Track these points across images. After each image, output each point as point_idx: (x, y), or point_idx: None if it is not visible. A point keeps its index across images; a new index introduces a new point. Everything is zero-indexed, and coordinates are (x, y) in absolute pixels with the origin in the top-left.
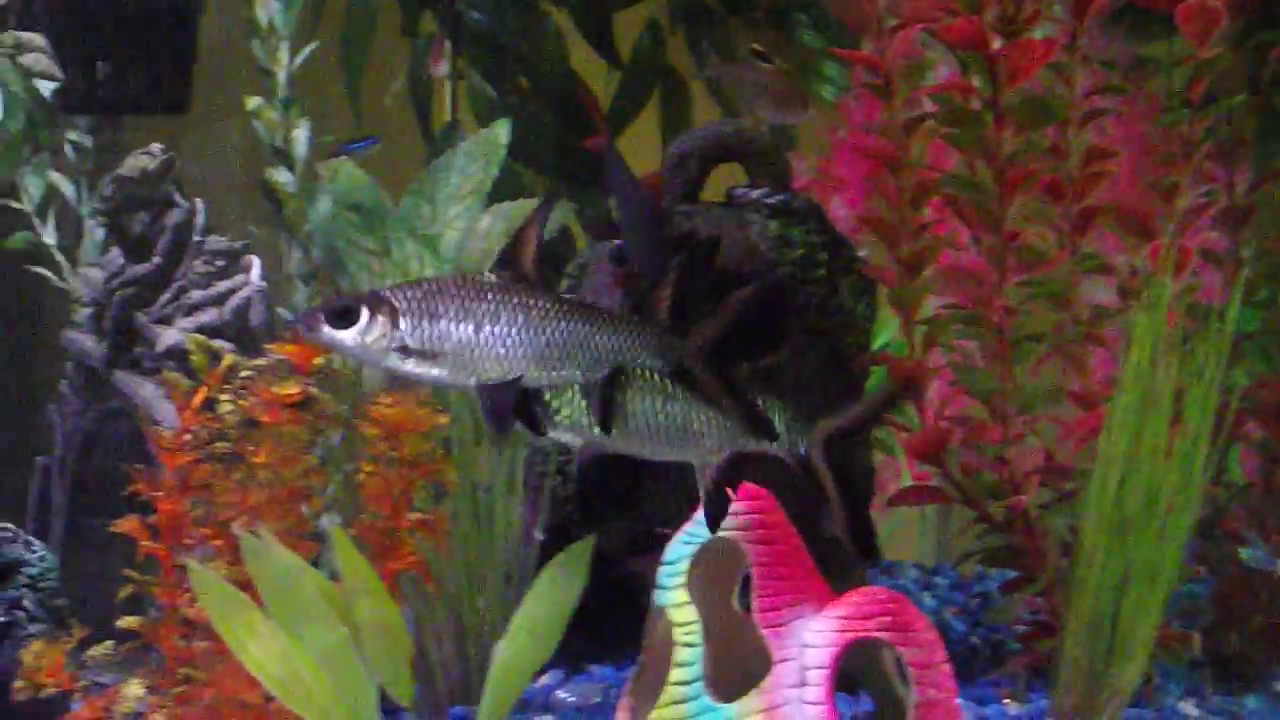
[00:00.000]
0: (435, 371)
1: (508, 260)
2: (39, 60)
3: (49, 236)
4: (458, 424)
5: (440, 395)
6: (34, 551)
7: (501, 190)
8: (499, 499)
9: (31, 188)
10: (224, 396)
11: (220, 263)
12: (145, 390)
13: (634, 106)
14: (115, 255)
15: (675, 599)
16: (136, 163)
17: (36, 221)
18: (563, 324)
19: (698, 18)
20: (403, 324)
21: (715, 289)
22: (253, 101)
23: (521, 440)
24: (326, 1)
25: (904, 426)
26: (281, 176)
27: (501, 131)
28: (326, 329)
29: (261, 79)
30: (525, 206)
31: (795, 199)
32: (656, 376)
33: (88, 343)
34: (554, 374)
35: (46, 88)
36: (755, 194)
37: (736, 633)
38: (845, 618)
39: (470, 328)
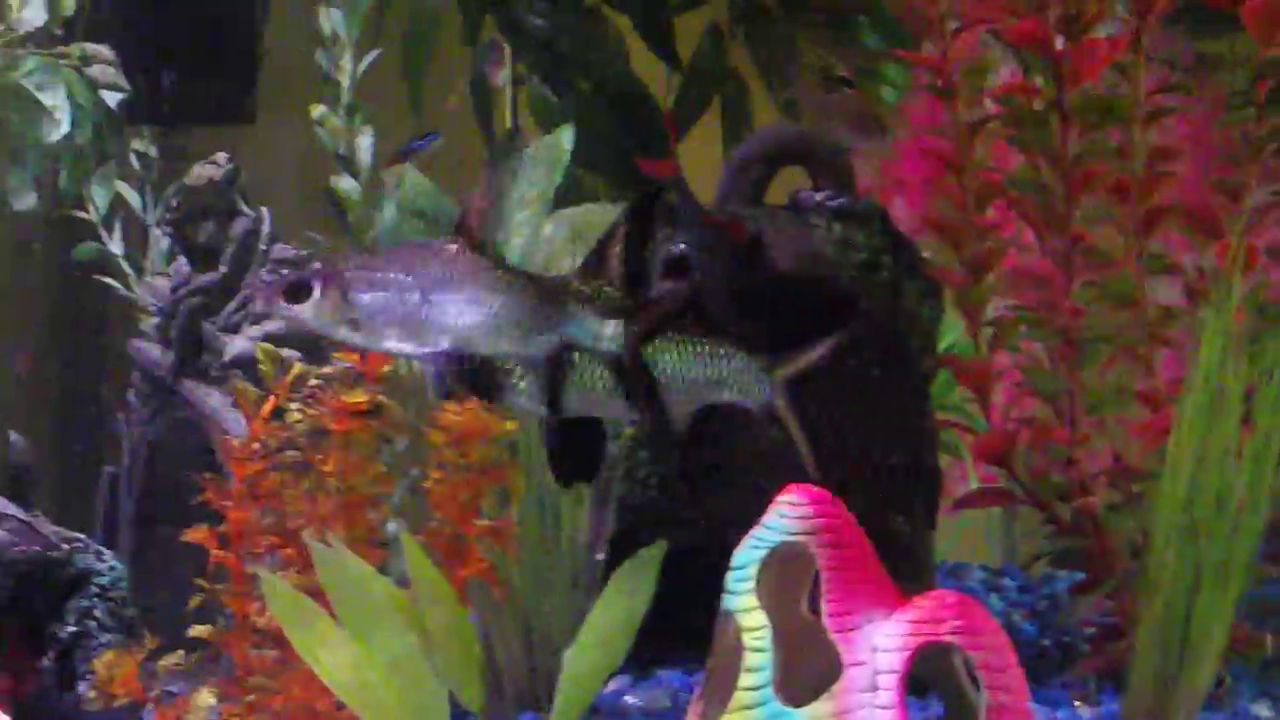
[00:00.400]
0: (386, 343)
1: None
2: (106, 72)
3: (115, 246)
4: (525, 429)
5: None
6: (104, 561)
7: (565, 195)
8: (566, 504)
9: (98, 198)
10: (292, 405)
11: (285, 271)
12: (212, 399)
13: (694, 110)
14: (181, 265)
15: (744, 604)
16: (202, 172)
17: (103, 232)
18: (511, 295)
19: (758, 20)
20: (352, 296)
21: (776, 293)
22: (317, 109)
23: None
24: (388, 9)
25: (970, 428)
26: (345, 184)
27: (565, 137)
28: (282, 304)
29: (325, 87)
30: (590, 212)
31: (858, 202)
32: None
33: (155, 352)
34: (501, 345)
35: (113, 99)
36: (818, 197)
37: (806, 637)
38: (916, 621)
39: (418, 297)
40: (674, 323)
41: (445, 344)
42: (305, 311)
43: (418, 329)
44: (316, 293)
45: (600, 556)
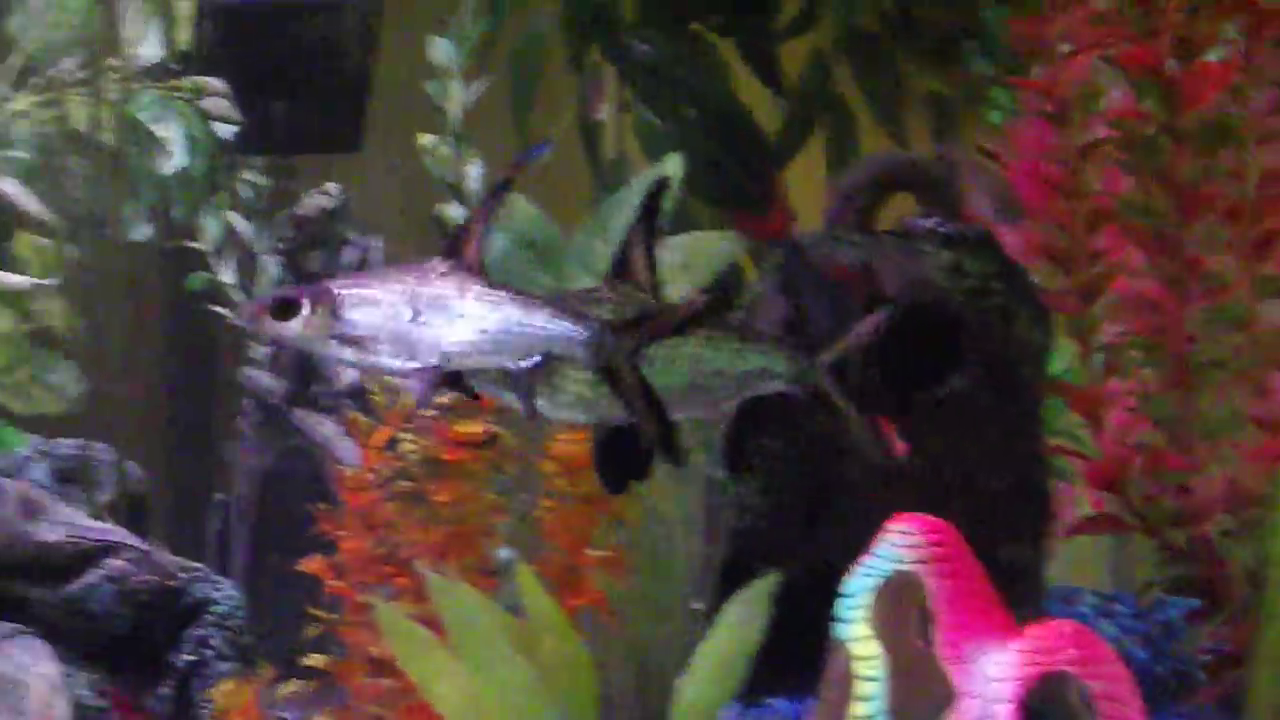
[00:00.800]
0: (376, 359)
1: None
2: (218, 104)
3: (227, 276)
4: None
5: None
6: (221, 590)
7: (671, 222)
8: (677, 532)
9: (210, 228)
10: (405, 435)
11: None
12: (324, 428)
13: (799, 136)
14: None
15: (856, 632)
16: (313, 202)
17: (214, 261)
18: (498, 311)
19: (863, 45)
20: (342, 312)
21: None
22: (426, 139)
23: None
24: (496, 38)
25: (1081, 454)
26: (453, 212)
27: (673, 165)
28: (269, 321)
29: (434, 116)
30: (699, 239)
31: (968, 228)
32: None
33: (266, 381)
34: (488, 359)
35: (225, 130)
36: (927, 223)
37: (919, 667)
38: (1031, 650)
39: (408, 315)
40: (709, 321)
41: (435, 360)
42: (293, 329)
43: (408, 344)
44: (305, 309)
45: (697, 606)
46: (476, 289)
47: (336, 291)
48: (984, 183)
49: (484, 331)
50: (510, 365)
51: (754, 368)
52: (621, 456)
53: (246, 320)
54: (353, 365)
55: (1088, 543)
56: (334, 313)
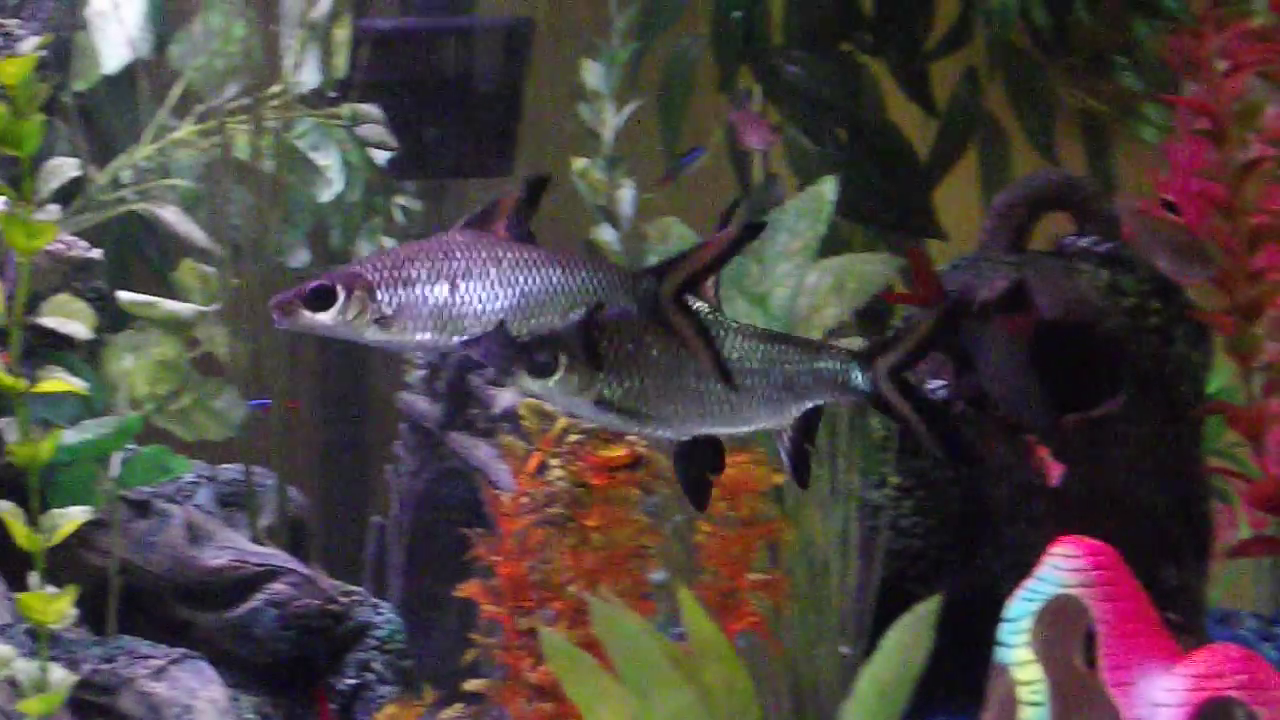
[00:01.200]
0: (418, 337)
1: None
2: (374, 130)
3: None
4: (789, 483)
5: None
6: (381, 614)
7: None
8: (834, 557)
9: (365, 253)
10: (554, 460)
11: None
12: (480, 452)
13: (951, 155)
14: None
15: (1019, 657)
16: None
17: None
18: (535, 272)
19: (1015, 63)
20: (379, 295)
21: (1041, 339)
22: (579, 163)
23: (853, 497)
24: (644, 60)
25: (1242, 475)
26: (606, 235)
27: (829, 188)
28: (306, 313)
29: (585, 139)
30: (853, 262)
31: (1125, 247)
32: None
33: (422, 404)
34: (534, 322)
35: (381, 157)
36: (1084, 242)
37: (1082, 692)
38: (1198, 675)
39: (445, 288)
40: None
41: (477, 330)
42: (329, 318)
43: (451, 319)
44: (341, 297)
45: (846, 650)
46: (507, 252)
47: (370, 275)
48: (1163, 236)
49: (524, 293)
50: (558, 323)
51: (820, 372)
52: (700, 469)
53: (279, 314)
54: (394, 348)
55: (1248, 565)
56: (370, 295)
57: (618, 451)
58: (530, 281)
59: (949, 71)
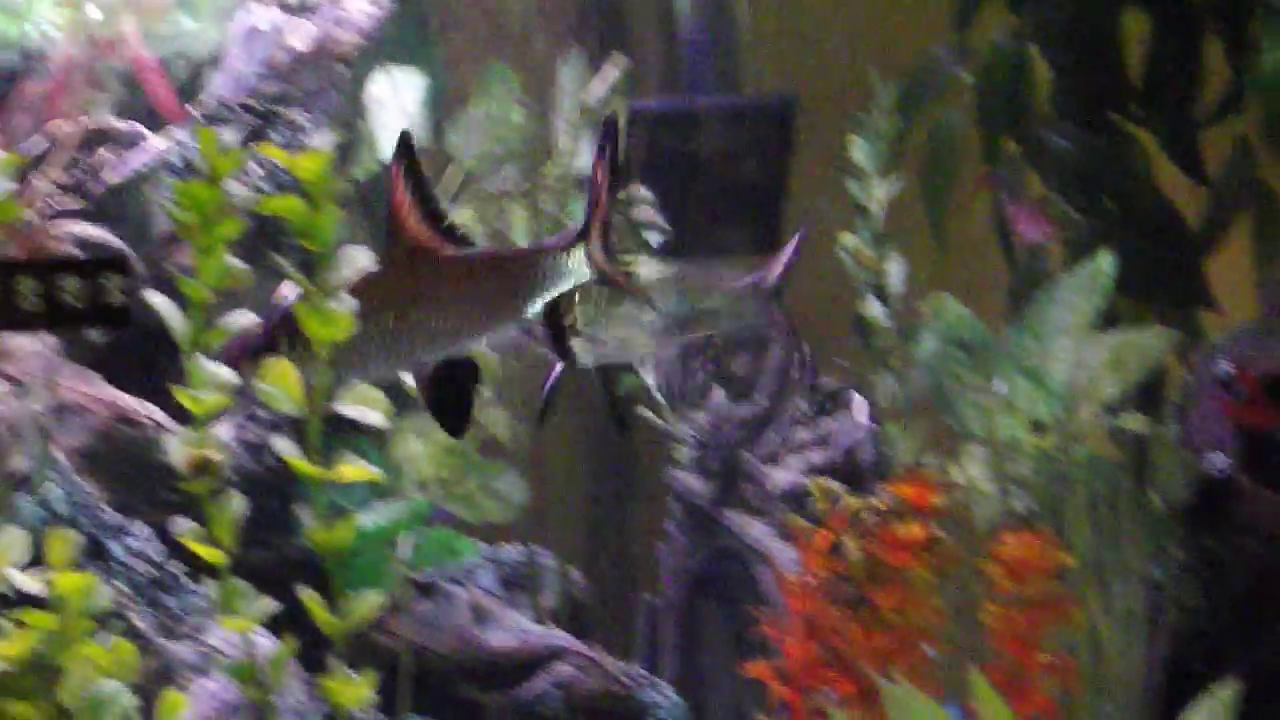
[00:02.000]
0: (370, 367)
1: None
2: (646, 212)
3: (650, 378)
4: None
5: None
6: (665, 695)
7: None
8: (1115, 639)
9: None
10: (846, 539)
11: (821, 399)
12: (754, 530)
13: (1223, 226)
14: (718, 396)
15: None
16: None
17: (640, 364)
18: (474, 282)
19: None
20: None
21: None
22: (849, 239)
23: (1134, 574)
24: (909, 133)
25: None
26: (873, 310)
27: (1107, 262)
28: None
29: (854, 215)
30: (1130, 337)
31: None
32: None
33: (693, 482)
34: (495, 331)
35: (654, 239)
36: None
37: None
38: None
39: (391, 318)
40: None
41: (433, 353)
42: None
43: (401, 345)
44: (284, 346)
45: None
46: (442, 268)
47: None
48: None
49: (471, 304)
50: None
51: (709, 306)
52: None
53: (233, 369)
54: (355, 380)
55: None
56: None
57: (916, 529)
58: (469, 291)
59: (1217, 139)
